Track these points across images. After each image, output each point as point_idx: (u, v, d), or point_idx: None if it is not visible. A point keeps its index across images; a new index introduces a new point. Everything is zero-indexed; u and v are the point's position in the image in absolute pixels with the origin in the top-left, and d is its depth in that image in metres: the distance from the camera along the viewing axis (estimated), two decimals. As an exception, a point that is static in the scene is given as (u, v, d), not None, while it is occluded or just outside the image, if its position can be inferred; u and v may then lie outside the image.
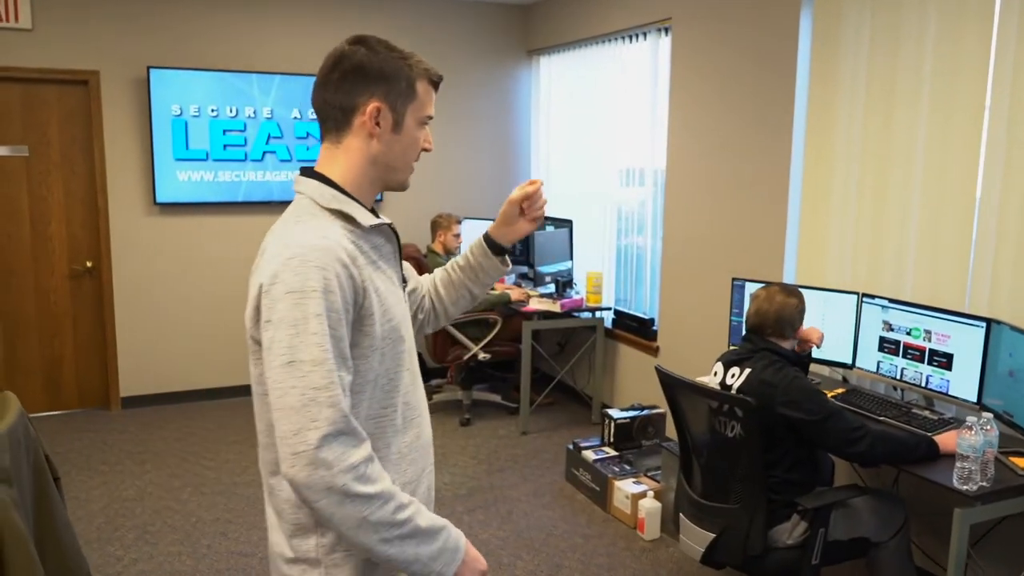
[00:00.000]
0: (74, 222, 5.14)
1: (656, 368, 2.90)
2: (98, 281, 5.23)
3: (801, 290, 2.80)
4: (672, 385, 2.87)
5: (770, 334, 2.72)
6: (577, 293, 5.17)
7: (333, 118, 1.36)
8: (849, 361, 3.27)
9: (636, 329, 4.96)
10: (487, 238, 1.68)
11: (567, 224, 5.25)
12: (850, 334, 3.25)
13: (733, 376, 2.73)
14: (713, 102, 4.20)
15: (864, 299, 3.20)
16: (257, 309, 1.28)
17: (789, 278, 3.79)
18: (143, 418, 5.18)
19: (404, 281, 1.51)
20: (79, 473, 4.31)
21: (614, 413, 4.23)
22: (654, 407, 4.30)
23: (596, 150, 5.39)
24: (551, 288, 5.15)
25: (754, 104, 3.92)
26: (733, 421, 2.65)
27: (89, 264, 5.20)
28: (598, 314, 5.11)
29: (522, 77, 6.11)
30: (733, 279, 3.61)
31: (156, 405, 5.41)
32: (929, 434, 2.68)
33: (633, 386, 5.04)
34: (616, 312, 5.17)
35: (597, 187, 5.40)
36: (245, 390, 5.58)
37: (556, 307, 4.91)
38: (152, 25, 5.09)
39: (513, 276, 5.77)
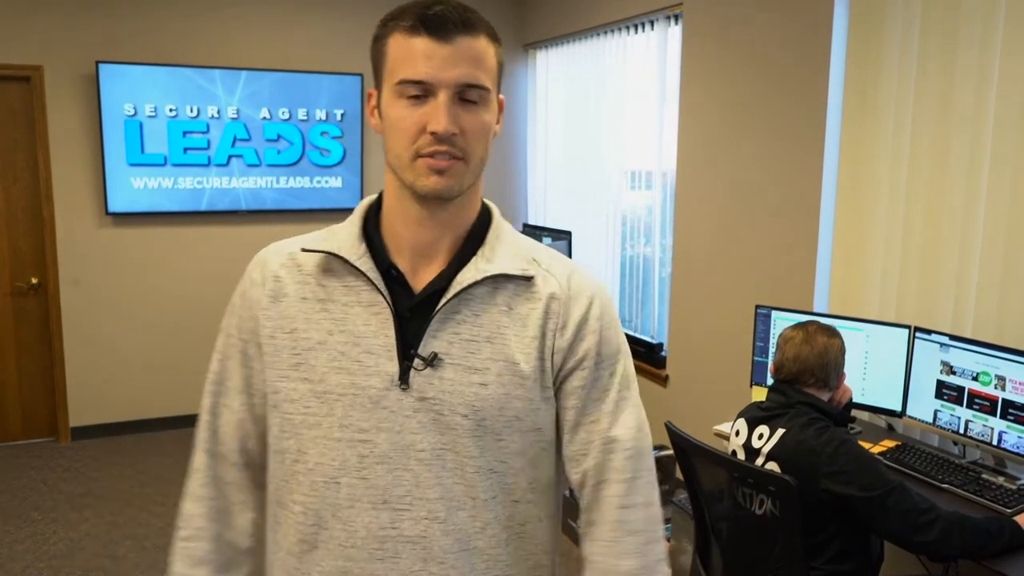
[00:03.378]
0: (17, 234, 4.63)
1: (667, 426, 2.36)
2: (44, 299, 4.72)
3: (839, 322, 2.26)
4: (684, 448, 2.32)
5: (811, 384, 2.17)
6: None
7: None
8: (897, 408, 2.71)
9: (642, 354, 4.41)
10: None
11: (566, 236, 4.71)
12: (899, 376, 2.70)
13: (761, 438, 2.18)
14: (730, 99, 3.65)
15: (918, 334, 2.65)
16: None
17: (820, 306, 3.23)
18: (93, 451, 4.65)
19: (424, 359, 1.06)
20: (6, 522, 3.78)
21: (616, 456, 3.68)
22: (662, 447, 3.75)
23: (598, 152, 4.85)
24: (547, 308, 4.60)
25: (779, 103, 3.37)
26: (762, 495, 2.10)
27: (34, 281, 4.68)
28: (599, 337, 4.56)
29: (517, 73, 5.57)
30: (757, 307, 3.06)
31: (110, 436, 4.89)
32: (1008, 511, 2.13)
33: (639, 418, 4.48)
34: (620, 335, 4.62)
35: (599, 192, 4.86)
36: (209, 419, 5.05)
37: (552, 330, 4.37)
38: (102, 15, 4.57)
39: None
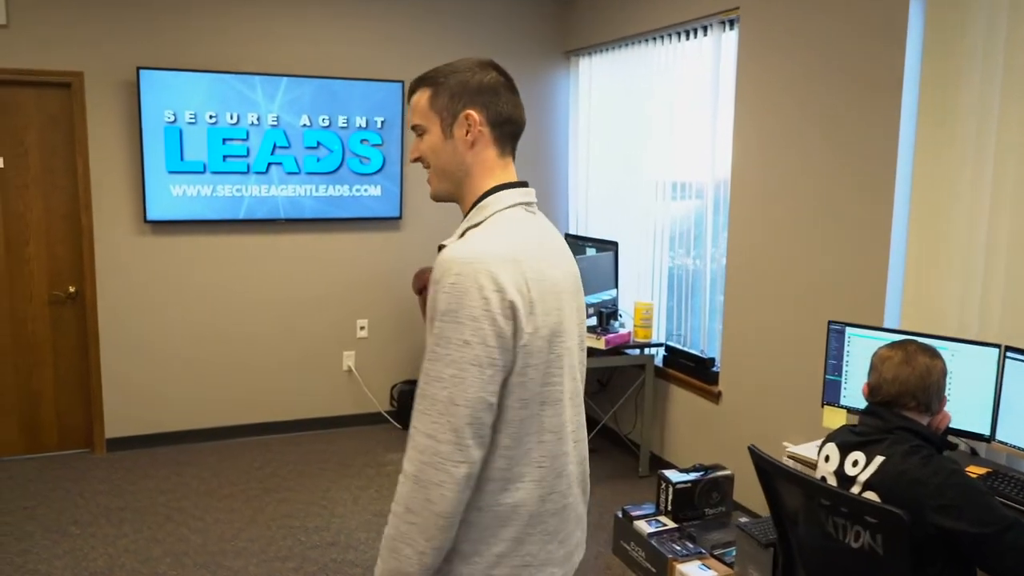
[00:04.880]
0: (55, 242, 4.57)
1: (750, 449, 2.22)
2: (81, 308, 4.65)
3: (914, 339, 2.12)
4: (770, 472, 2.19)
5: (911, 407, 2.04)
6: (623, 326, 4.50)
7: None
8: (986, 432, 2.57)
9: (692, 369, 4.28)
10: None
11: (612, 246, 4.58)
12: (987, 399, 2.55)
13: (856, 465, 2.05)
14: (791, 106, 3.53)
15: (1008, 354, 2.50)
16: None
17: (891, 322, 3.09)
18: (129, 463, 4.57)
19: None
20: (44, 536, 3.70)
21: (672, 476, 3.54)
22: (718, 467, 3.61)
23: (644, 161, 4.72)
24: (593, 320, 4.48)
25: (847, 110, 3.24)
26: (857, 527, 1.97)
27: (72, 289, 4.61)
28: (647, 351, 4.43)
29: (559, 81, 5.47)
30: (830, 323, 2.92)
31: (146, 447, 4.81)
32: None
33: (688, 435, 4.35)
34: (668, 349, 4.49)
35: (645, 203, 4.73)
36: (244, 430, 4.97)
37: (600, 343, 4.24)
38: (143, 21, 4.52)
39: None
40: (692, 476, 3.56)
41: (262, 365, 5.00)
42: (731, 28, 3.98)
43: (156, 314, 4.74)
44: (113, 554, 3.55)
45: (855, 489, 2.02)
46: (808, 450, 2.87)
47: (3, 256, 4.47)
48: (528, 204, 1.44)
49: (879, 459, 1.99)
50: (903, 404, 2.03)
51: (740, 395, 3.93)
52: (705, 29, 4.16)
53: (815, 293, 3.44)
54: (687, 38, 4.31)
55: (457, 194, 1.46)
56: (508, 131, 1.44)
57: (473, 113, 1.40)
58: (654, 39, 4.57)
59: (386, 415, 5.32)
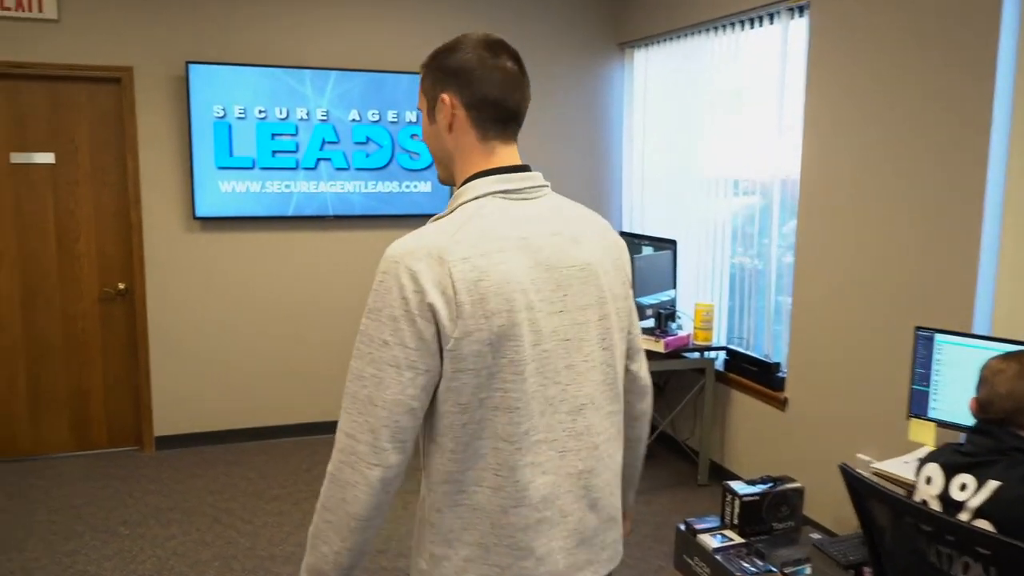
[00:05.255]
0: (105, 239, 4.54)
1: (842, 468, 2.04)
2: (131, 305, 4.62)
3: (1011, 349, 1.93)
4: (863, 493, 2.01)
5: (1027, 427, 1.85)
6: (681, 328, 4.32)
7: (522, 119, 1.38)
8: (1096, 450, 2.34)
9: (756, 374, 4.09)
10: None
11: (670, 245, 4.40)
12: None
13: (965, 489, 1.86)
14: (869, 98, 3.32)
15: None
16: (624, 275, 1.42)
17: (981, 327, 2.87)
18: (178, 462, 4.53)
19: None
20: (94, 536, 3.65)
21: (738, 488, 3.36)
22: (786, 479, 3.42)
23: (704, 156, 4.53)
24: (651, 322, 4.30)
25: (930, 100, 3.02)
26: (966, 558, 1.78)
27: (121, 286, 4.58)
28: (708, 354, 4.25)
29: (613, 74, 5.29)
30: (917, 329, 2.71)
31: (194, 446, 4.77)
32: None
33: (751, 443, 4.16)
34: (729, 352, 4.30)
35: (705, 200, 4.54)
36: (293, 430, 4.90)
37: (659, 346, 4.07)
38: (192, 15, 4.46)
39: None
40: (759, 488, 3.38)
41: (310, 364, 4.92)
42: (800, 15, 3.78)
43: (204, 311, 4.69)
44: (162, 556, 3.49)
45: (964, 516, 1.84)
46: (895, 467, 2.67)
47: (54, 253, 4.45)
48: (508, 192, 1.31)
49: (993, 484, 1.80)
50: (1019, 422, 1.84)
51: (809, 402, 3.73)
52: (771, 17, 3.96)
53: (893, 296, 3.23)
54: (751, 27, 4.11)
55: (453, 180, 1.40)
56: (490, 114, 1.31)
57: (446, 96, 1.32)
58: (715, 29, 4.37)
59: (434, 416, 5.20)
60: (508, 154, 1.34)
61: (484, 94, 1.30)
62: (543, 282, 1.27)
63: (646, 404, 1.56)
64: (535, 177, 1.34)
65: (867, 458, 3.41)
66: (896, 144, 3.19)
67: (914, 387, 2.73)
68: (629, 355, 1.48)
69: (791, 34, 3.86)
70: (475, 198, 1.30)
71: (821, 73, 3.57)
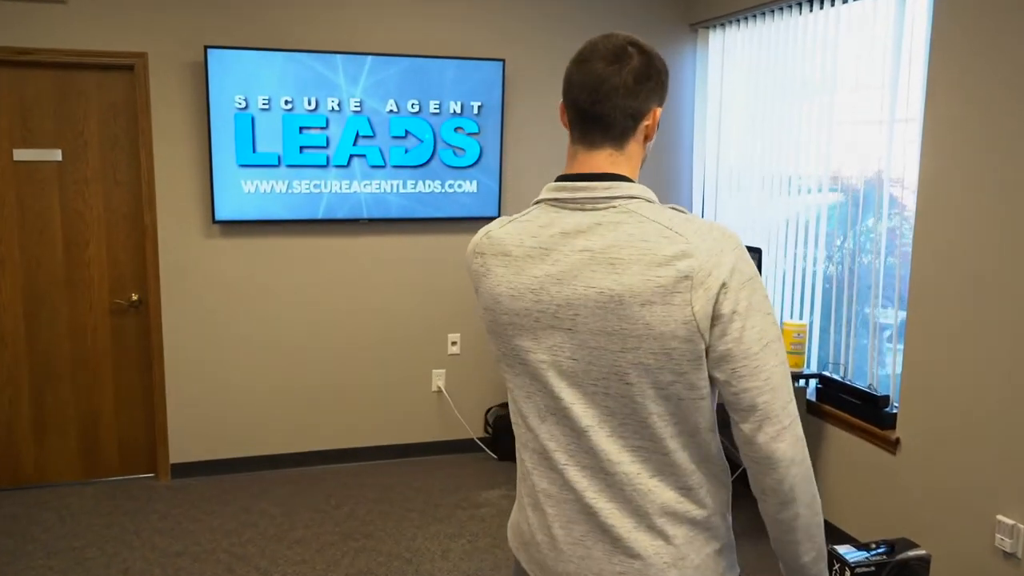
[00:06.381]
0: (117, 245, 4.09)
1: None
2: (145, 318, 4.17)
3: None
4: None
5: None
6: (766, 351, 3.70)
7: (622, 124, 1.27)
8: None
9: (858, 409, 3.46)
10: None
11: (755, 253, 3.80)
12: None
13: None
14: (1012, 83, 2.67)
15: None
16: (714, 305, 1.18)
17: None
18: (194, 494, 4.06)
19: None
20: (90, 588, 3.20)
21: (848, 554, 2.75)
22: (907, 544, 2.79)
23: (792, 151, 3.92)
24: (731, 344, 3.69)
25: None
26: None
27: (135, 297, 4.13)
28: (799, 382, 3.63)
29: (684, 59, 4.69)
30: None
31: (214, 474, 4.30)
32: None
33: (850, 491, 3.53)
34: (823, 380, 3.67)
35: (793, 201, 3.93)
36: (320, 457, 4.42)
37: (742, 374, 3.46)
38: (213, -7, 3.99)
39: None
40: (873, 554, 2.76)
41: (341, 384, 4.42)
42: (921, -20, 3.15)
43: (225, 325, 4.22)
44: (163, 616, 3.01)
45: None
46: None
47: (62, 260, 4.02)
48: (560, 200, 1.28)
49: None
50: None
51: (928, 446, 3.10)
52: (883, -16, 3.33)
53: (1052, 323, 2.59)
54: (853, 0, 3.49)
55: None
56: (574, 114, 1.29)
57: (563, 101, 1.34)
58: (808, 4, 3.75)
59: (479, 443, 4.67)
60: (586, 160, 1.29)
61: (571, 98, 1.28)
62: (545, 293, 1.26)
63: (772, 479, 1.22)
64: (595, 188, 1.25)
65: (1011, 521, 2.77)
66: (1057, 133, 2.55)
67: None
68: (740, 415, 1.22)
69: (908, 7, 3.23)
70: (536, 202, 1.33)
71: (945, 55, 2.93)
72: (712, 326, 1.17)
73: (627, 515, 1.25)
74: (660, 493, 1.25)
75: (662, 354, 1.19)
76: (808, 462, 1.21)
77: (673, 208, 1.25)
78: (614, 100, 1.24)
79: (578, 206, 1.25)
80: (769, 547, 3.61)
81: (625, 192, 1.24)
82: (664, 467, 1.25)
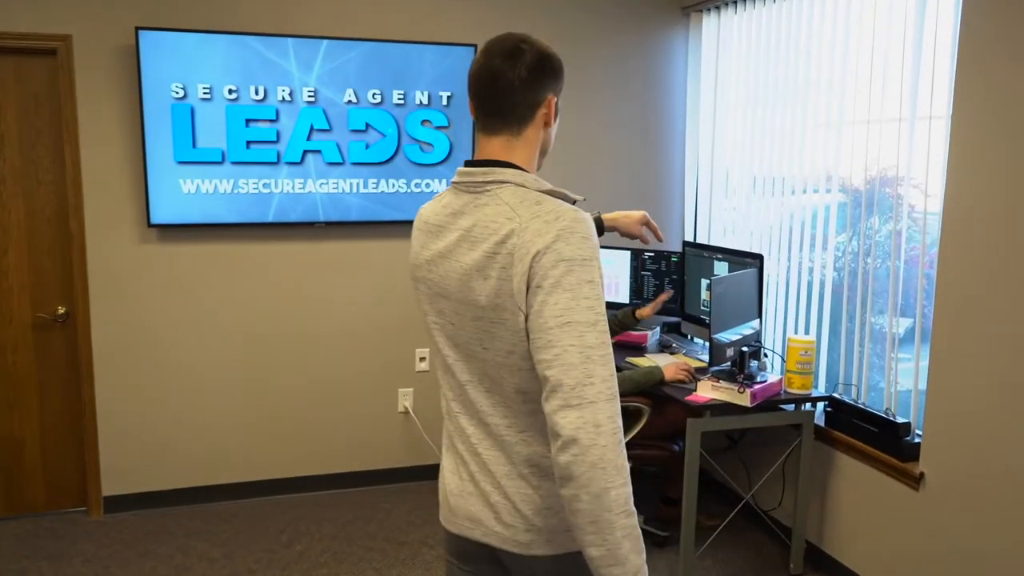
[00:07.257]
0: (40, 252, 3.64)
1: None
2: (73, 334, 3.71)
3: None
4: None
5: None
6: (762, 369, 3.31)
7: (520, 114, 1.39)
8: None
9: (874, 437, 3.05)
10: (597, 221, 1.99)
11: (755, 261, 3.39)
12: None
13: None
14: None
15: None
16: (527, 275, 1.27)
17: None
18: (128, 531, 3.61)
19: None
20: (-10, 653, 2.75)
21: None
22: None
23: (796, 147, 3.52)
24: (728, 365, 3.29)
25: None
26: None
27: (61, 310, 3.68)
28: (806, 406, 3.24)
29: (673, 45, 4.29)
30: None
31: (151, 507, 3.85)
32: None
33: (867, 527, 3.12)
34: (833, 402, 3.27)
35: (798, 203, 3.53)
36: (271, 486, 3.98)
37: (744, 399, 3.05)
38: (147, -31, 3.54)
39: (658, 331, 3.95)
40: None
41: (295, 406, 3.98)
42: (947, -51, 2.75)
43: (163, 342, 3.77)
44: None
45: None
46: None
47: (-24, 269, 3.56)
48: (457, 183, 1.41)
49: None
50: None
51: (958, 482, 2.69)
52: (901, -45, 2.93)
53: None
54: (869, -27, 3.08)
55: None
56: (476, 105, 1.41)
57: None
58: (815, -21, 3.35)
59: (451, 468, 4.24)
60: (483, 146, 1.41)
61: (474, 92, 1.40)
62: (435, 267, 1.40)
63: (553, 449, 1.23)
64: (476, 173, 1.37)
65: (1061, 575, 2.37)
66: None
67: None
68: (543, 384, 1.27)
69: (929, -21, 2.83)
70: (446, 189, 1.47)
71: (975, 43, 2.53)
72: (525, 300, 1.26)
73: (502, 462, 1.39)
74: (524, 448, 1.37)
75: (499, 323, 1.31)
76: (608, 453, 1.18)
77: (553, 192, 1.35)
78: (510, 92, 1.36)
79: (465, 189, 1.39)
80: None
81: (498, 177, 1.35)
82: (528, 426, 1.36)
